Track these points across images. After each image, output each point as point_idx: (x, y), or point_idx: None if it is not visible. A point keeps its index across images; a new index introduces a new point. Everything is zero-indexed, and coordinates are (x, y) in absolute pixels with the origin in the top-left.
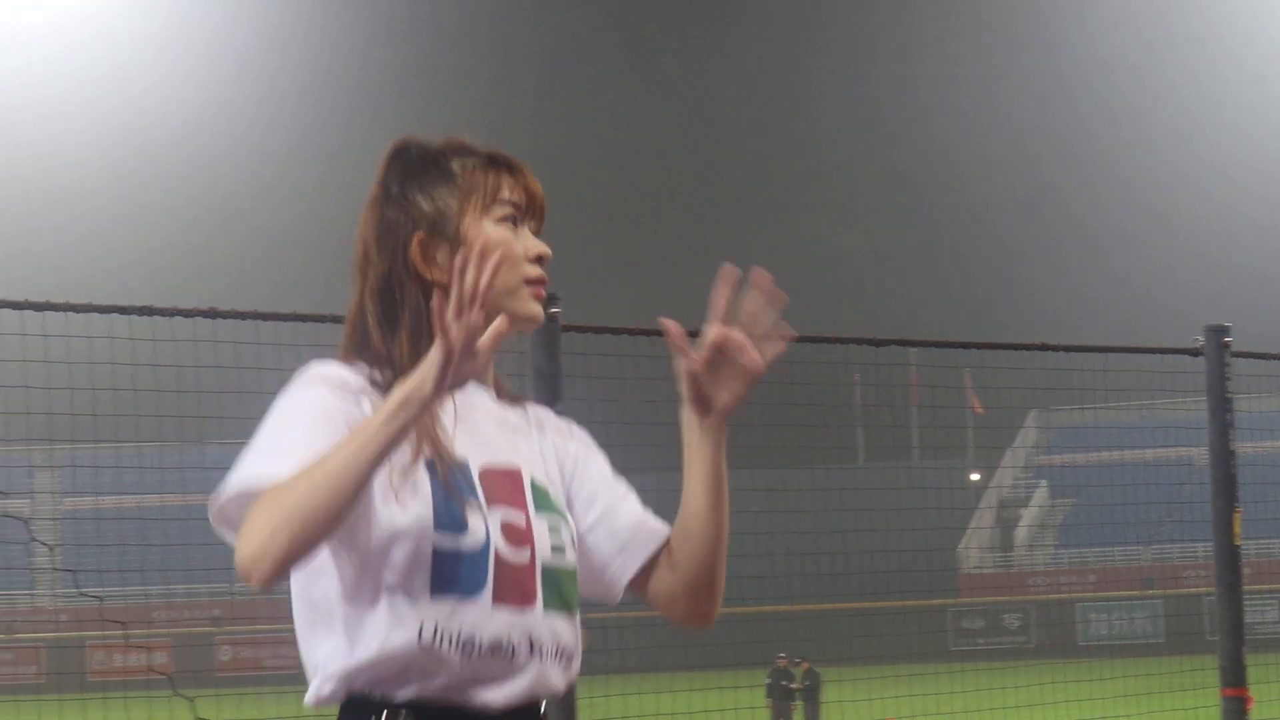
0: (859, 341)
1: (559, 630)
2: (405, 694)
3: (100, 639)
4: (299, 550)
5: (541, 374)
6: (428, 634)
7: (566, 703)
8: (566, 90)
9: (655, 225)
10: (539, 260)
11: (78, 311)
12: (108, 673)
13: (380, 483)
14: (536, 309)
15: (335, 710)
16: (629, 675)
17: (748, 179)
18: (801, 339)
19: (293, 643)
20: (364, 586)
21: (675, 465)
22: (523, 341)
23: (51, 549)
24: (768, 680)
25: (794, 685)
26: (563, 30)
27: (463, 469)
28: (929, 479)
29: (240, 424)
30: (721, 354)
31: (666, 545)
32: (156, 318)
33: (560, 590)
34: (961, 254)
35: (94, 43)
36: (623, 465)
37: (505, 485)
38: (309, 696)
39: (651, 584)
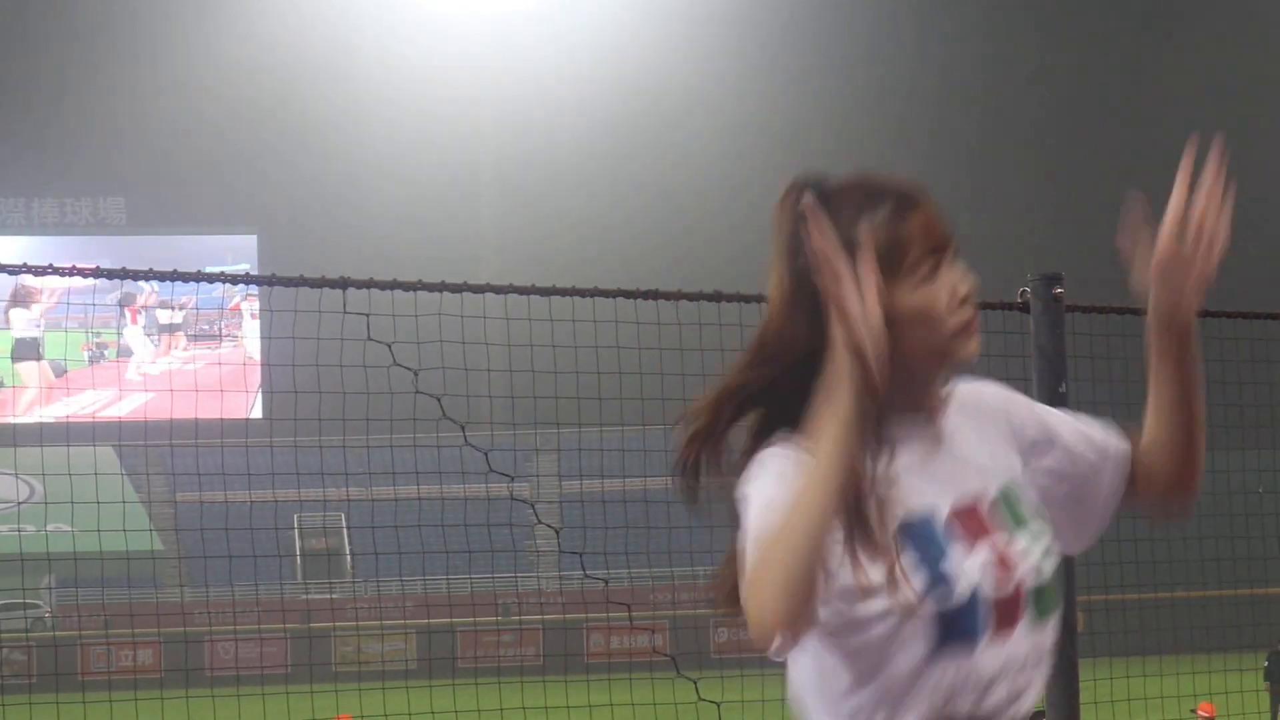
0: None
1: (1042, 641)
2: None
3: (599, 621)
4: (801, 604)
5: (1045, 354)
6: (937, 694)
7: (1069, 684)
8: (1067, 76)
9: (1162, 204)
10: (965, 300)
11: (584, 295)
12: (606, 654)
13: (846, 568)
14: (970, 348)
15: None
16: (1130, 658)
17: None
18: None
19: None
20: (858, 660)
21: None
22: (1025, 322)
23: (558, 532)
24: (1266, 663)
25: None
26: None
27: (929, 523)
28: None
29: None
30: (1178, 250)
31: (1134, 457)
32: (661, 301)
33: (1042, 603)
34: None
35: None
36: None
37: (976, 518)
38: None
39: (1132, 492)
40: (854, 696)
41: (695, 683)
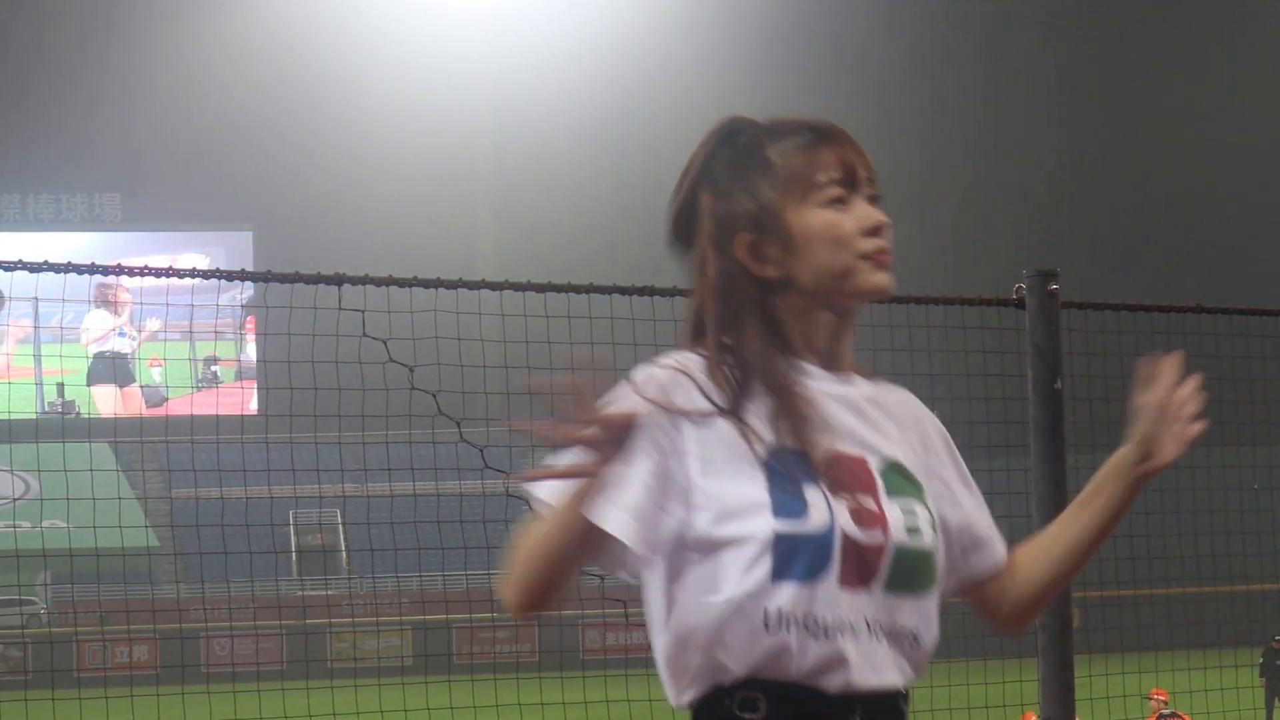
0: None
1: (903, 612)
2: (758, 678)
3: (595, 618)
4: (532, 600)
5: (1040, 351)
6: (772, 619)
7: (1065, 680)
8: (1064, 74)
9: (1156, 202)
10: (875, 230)
11: (579, 292)
12: (601, 650)
13: (704, 477)
14: (880, 279)
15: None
16: (1126, 654)
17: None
18: None
19: None
20: (704, 578)
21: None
22: (1020, 318)
23: None
24: (1261, 659)
25: None
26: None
27: (800, 456)
28: None
29: None
30: (1163, 414)
31: (1006, 565)
32: (657, 297)
33: (911, 572)
34: None
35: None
36: (1119, 443)
37: (852, 470)
38: (672, 698)
39: (974, 593)
40: (688, 619)
41: None
